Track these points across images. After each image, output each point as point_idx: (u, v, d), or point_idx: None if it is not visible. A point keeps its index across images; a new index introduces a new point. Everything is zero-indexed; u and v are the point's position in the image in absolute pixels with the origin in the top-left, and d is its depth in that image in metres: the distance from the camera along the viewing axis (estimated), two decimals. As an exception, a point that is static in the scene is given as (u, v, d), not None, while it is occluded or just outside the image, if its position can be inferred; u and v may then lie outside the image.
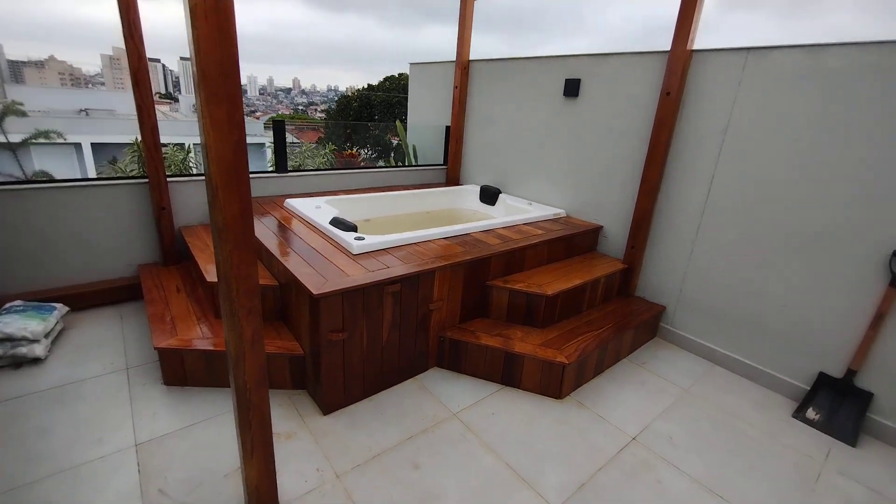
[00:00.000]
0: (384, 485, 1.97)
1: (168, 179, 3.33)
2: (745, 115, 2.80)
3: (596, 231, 3.74)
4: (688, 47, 2.94)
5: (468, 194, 4.68)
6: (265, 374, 1.55)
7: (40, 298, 2.97)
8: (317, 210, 3.38)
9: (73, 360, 2.63)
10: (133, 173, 9.82)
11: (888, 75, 2.29)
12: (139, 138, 3.41)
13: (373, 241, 2.76)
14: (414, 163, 5.76)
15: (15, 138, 16.23)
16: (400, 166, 5.25)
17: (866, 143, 2.38)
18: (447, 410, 2.47)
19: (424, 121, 5.58)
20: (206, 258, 2.95)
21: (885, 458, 2.37)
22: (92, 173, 16.91)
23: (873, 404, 2.51)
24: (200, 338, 2.52)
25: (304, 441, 2.17)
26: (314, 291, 2.14)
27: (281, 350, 2.47)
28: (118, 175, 9.97)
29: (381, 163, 12.11)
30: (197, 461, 2.00)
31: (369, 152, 13.13)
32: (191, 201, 3.52)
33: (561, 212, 3.93)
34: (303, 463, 2.04)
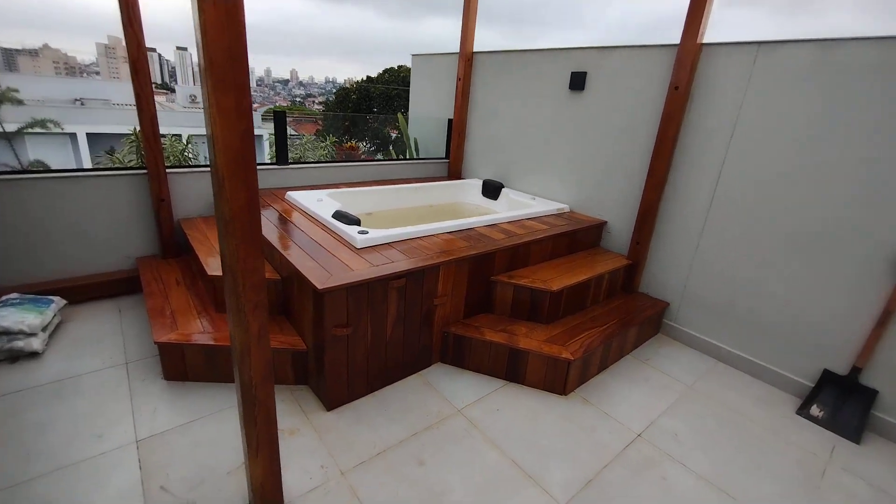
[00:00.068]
0: (389, 482, 1.95)
1: (167, 170, 3.27)
2: (754, 109, 2.77)
3: (600, 226, 3.71)
4: (698, 41, 2.90)
5: (470, 188, 4.64)
6: (271, 369, 1.52)
7: (37, 291, 2.92)
8: (319, 203, 3.34)
9: (72, 354, 2.59)
10: (131, 164, 9.70)
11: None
12: (138, 128, 3.35)
13: (376, 235, 2.72)
14: (415, 156, 5.71)
15: (10, 128, 16.02)
16: (401, 159, 5.20)
17: (878, 141, 2.35)
18: (451, 406, 2.45)
19: (426, 113, 5.52)
20: (206, 251, 2.91)
21: (889, 455, 2.37)
22: (87, 164, 16.72)
23: (878, 402, 2.50)
24: (201, 332, 2.48)
25: (307, 437, 2.14)
26: (319, 286, 2.11)
27: (283, 345, 2.43)
28: (116, 165, 9.86)
29: (379, 156, 12.03)
30: (199, 458, 1.98)
31: (367, 145, 13.05)
32: (190, 193, 3.46)
33: (565, 207, 3.89)
34: (307, 459, 2.01)
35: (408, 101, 5.92)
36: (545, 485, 2.00)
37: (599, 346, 2.74)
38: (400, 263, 2.46)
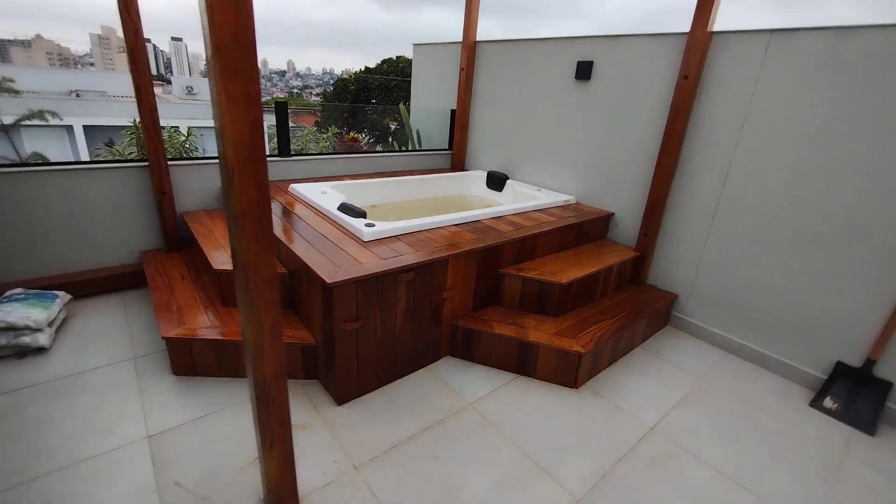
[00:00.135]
0: (404, 476, 1.93)
1: (168, 163, 3.22)
2: (766, 99, 2.71)
3: (607, 218, 3.67)
4: (708, 29, 2.84)
5: (474, 180, 4.59)
6: (284, 366, 1.49)
7: (41, 286, 2.88)
8: (323, 196, 3.29)
9: (79, 349, 2.56)
10: (132, 156, 9.61)
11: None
12: (138, 119, 3.29)
13: (383, 227, 2.69)
14: (418, 147, 5.65)
15: (7, 120, 15.85)
16: (405, 151, 5.14)
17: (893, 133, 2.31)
18: (462, 400, 2.43)
19: (428, 104, 5.45)
20: (210, 244, 2.87)
21: (903, 447, 2.36)
22: (85, 156, 16.57)
23: (893, 393, 2.49)
24: (209, 326, 2.45)
25: (319, 432, 2.12)
26: (328, 280, 2.07)
27: (292, 339, 2.40)
28: (117, 158, 9.77)
29: (378, 147, 11.94)
30: (211, 453, 1.96)
31: (367, 136, 12.94)
32: (193, 186, 3.41)
33: (571, 198, 3.85)
34: (320, 454, 2.00)
35: (407, 92, 5.84)
36: (560, 479, 1.99)
37: (610, 338, 2.72)
38: (408, 256, 2.42)
